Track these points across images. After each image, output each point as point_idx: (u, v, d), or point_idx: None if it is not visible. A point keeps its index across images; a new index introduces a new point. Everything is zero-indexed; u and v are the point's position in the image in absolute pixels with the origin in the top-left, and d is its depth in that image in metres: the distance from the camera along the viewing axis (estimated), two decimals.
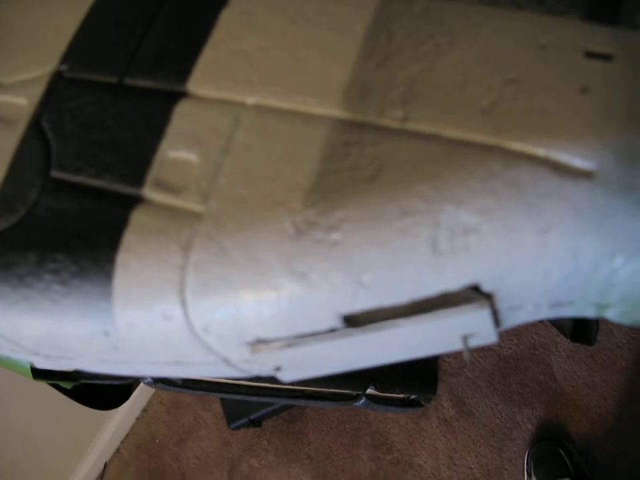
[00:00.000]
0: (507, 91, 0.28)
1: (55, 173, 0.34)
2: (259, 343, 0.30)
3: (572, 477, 1.21)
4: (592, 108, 0.27)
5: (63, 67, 0.38)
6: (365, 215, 0.28)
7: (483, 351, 1.44)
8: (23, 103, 0.37)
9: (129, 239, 0.31)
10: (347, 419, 1.55)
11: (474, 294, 0.28)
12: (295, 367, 0.32)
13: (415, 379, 0.87)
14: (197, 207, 0.30)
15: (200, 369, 0.35)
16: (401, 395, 0.87)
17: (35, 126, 0.36)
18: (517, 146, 0.27)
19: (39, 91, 0.37)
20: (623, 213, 0.26)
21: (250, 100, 0.32)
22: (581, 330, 0.86)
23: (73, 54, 0.37)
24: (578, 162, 0.26)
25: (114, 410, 1.77)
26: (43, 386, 1.50)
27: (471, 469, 1.39)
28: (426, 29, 0.31)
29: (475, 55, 0.29)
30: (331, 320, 0.29)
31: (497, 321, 0.31)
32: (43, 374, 0.63)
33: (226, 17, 0.35)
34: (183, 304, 0.30)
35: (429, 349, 0.32)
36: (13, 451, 1.54)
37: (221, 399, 1.61)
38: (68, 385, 0.64)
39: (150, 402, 1.84)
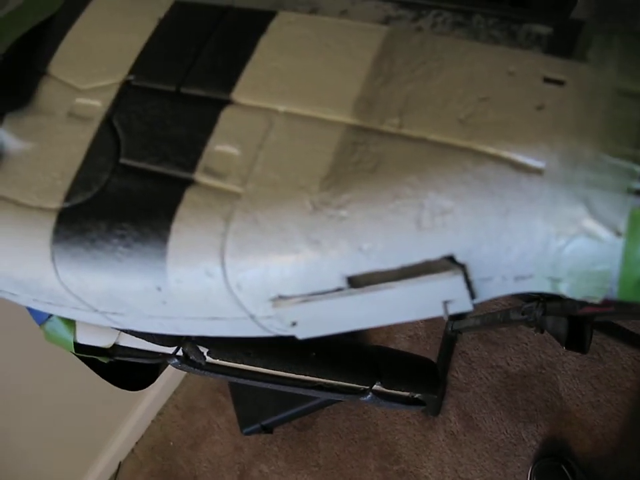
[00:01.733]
0: (480, 106, 0.36)
1: (123, 160, 0.42)
2: (279, 299, 0.38)
3: None
4: (545, 121, 0.34)
5: (131, 77, 0.45)
6: (366, 197, 0.35)
7: (491, 368, 1.48)
8: (98, 104, 0.45)
9: (182, 211, 0.39)
10: (357, 428, 1.60)
11: (450, 263, 0.35)
12: (308, 322, 0.40)
13: (419, 379, 0.91)
14: (237, 189, 0.38)
15: (231, 325, 0.43)
16: (406, 393, 0.91)
17: (107, 123, 0.44)
18: (485, 148, 0.35)
19: (111, 95, 0.45)
20: (564, 202, 0.33)
21: (281, 108, 0.40)
22: (575, 338, 0.91)
23: (139, 67, 0.45)
24: (531, 161, 0.34)
25: (130, 411, 1.83)
26: (62, 386, 1.55)
27: None
28: (420, 56, 0.39)
29: (457, 78, 0.37)
30: (337, 280, 0.37)
31: (472, 291, 0.38)
32: (83, 348, 0.71)
33: (264, 42, 0.43)
34: (222, 264, 0.37)
35: (417, 313, 0.39)
36: (30, 447, 1.58)
37: (235, 404, 1.67)
38: (104, 360, 0.71)
39: (166, 405, 1.89)
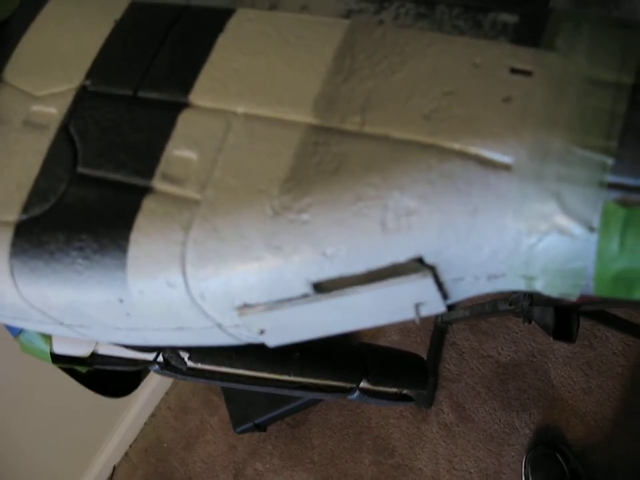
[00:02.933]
0: (444, 100, 0.34)
1: (80, 169, 0.41)
2: (245, 307, 0.37)
3: None
4: (512, 114, 0.33)
5: (87, 82, 0.44)
6: (328, 200, 0.34)
7: (482, 358, 1.48)
8: (54, 111, 0.43)
9: (140, 221, 0.37)
10: (350, 423, 1.59)
11: (419, 265, 0.34)
12: (277, 330, 0.39)
13: (406, 375, 0.90)
14: (196, 195, 0.37)
15: (199, 335, 0.41)
16: (393, 390, 0.90)
17: (64, 130, 0.42)
18: (451, 144, 0.33)
19: (67, 101, 0.43)
20: (535, 198, 0.32)
21: (240, 109, 0.39)
22: (562, 328, 0.91)
23: (95, 71, 0.44)
24: (499, 157, 0.33)
25: (123, 414, 1.81)
26: (54, 391, 1.54)
27: (470, 473, 1.42)
28: (382, 50, 0.37)
29: (420, 71, 0.36)
30: (303, 287, 0.35)
31: (444, 292, 0.37)
32: (60, 358, 0.69)
33: (222, 41, 0.41)
34: (184, 273, 0.36)
35: (387, 316, 0.38)
36: (23, 454, 1.57)
37: (227, 403, 1.66)
38: (83, 369, 0.70)
39: (158, 407, 1.88)
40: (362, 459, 1.56)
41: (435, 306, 0.37)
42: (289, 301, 0.36)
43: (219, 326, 0.39)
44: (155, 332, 0.42)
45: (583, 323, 0.97)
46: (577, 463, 1.28)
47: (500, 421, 1.43)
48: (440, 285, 0.36)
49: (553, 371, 1.41)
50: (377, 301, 0.36)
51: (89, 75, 0.44)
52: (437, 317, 1.51)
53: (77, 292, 0.39)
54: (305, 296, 0.36)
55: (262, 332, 0.38)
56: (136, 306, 0.38)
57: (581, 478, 1.24)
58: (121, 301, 0.38)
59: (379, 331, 1.60)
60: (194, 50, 0.42)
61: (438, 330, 1.52)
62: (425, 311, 0.37)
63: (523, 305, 1.00)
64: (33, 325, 0.46)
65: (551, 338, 0.92)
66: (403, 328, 1.58)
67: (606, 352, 1.37)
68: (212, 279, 0.36)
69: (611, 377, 1.35)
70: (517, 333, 1.46)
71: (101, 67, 0.44)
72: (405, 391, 0.92)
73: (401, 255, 0.34)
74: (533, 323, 1.05)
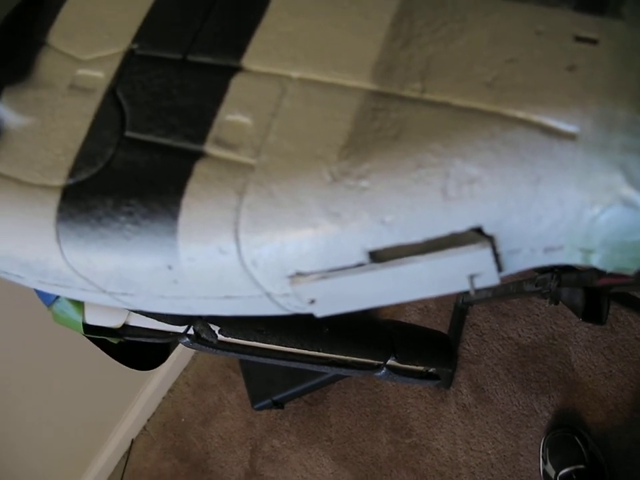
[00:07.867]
0: (507, 68, 0.34)
1: (128, 133, 0.40)
2: (297, 276, 0.36)
3: (586, 464, 1.22)
4: (577, 82, 0.32)
5: (135, 46, 0.43)
6: (388, 166, 0.33)
7: (502, 340, 1.47)
8: (100, 75, 0.43)
9: (192, 186, 0.37)
10: (368, 402, 1.59)
11: (477, 235, 0.33)
12: (327, 300, 0.38)
13: (433, 353, 0.90)
14: (250, 160, 0.36)
15: (245, 304, 0.41)
16: (420, 368, 0.90)
17: (111, 94, 0.41)
18: (514, 112, 0.32)
19: (114, 65, 0.43)
20: (600, 168, 0.31)
21: (295, 74, 0.38)
22: (592, 310, 0.90)
23: (143, 35, 0.43)
24: (563, 126, 0.32)
25: (141, 389, 1.83)
26: (72, 365, 1.55)
27: (488, 454, 1.41)
28: (442, 17, 0.36)
29: (481, 39, 0.35)
30: (358, 255, 0.35)
31: (499, 264, 0.36)
32: (92, 329, 0.69)
33: (275, 3, 0.40)
34: (237, 240, 0.36)
35: (441, 287, 0.37)
36: (43, 427, 1.59)
37: (245, 380, 1.67)
38: (114, 341, 0.70)
39: (176, 382, 1.89)
40: (379, 437, 1.56)
41: (489, 277, 0.36)
42: (344, 269, 0.35)
43: (268, 295, 0.39)
44: (200, 300, 0.41)
45: None
46: (596, 446, 1.27)
47: (519, 403, 1.42)
48: (496, 256, 0.35)
49: (573, 354, 1.39)
50: (432, 272, 0.35)
51: (137, 38, 0.43)
52: (457, 297, 1.50)
53: (124, 258, 0.39)
54: (360, 265, 0.35)
55: (312, 302, 0.38)
56: (185, 273, 0.38)
57: (599, 461, 1.24)
58: (170, 267, 0.38)
59: (398, 309, 1.59)
60: (246, 12, 0.41)
61: (458, 311, 1.51)
62: (479, 283, 0.36)
63: (550, 286, 0.99)
64: (74, 292, 0.46)
65: (579, 319, 0.91)
66: (423, 308, 1.57)
67: (628, 336, 1.35)
68: (265, 245, 0.35)
69: (632, 362, 1.33)
70: (537, 315, 1.45)
71: (148, 30, 0.43)
72: (431, 369, 0.91)
73: (461, 225, 0.33)
74: (554, 306, 1.03)
